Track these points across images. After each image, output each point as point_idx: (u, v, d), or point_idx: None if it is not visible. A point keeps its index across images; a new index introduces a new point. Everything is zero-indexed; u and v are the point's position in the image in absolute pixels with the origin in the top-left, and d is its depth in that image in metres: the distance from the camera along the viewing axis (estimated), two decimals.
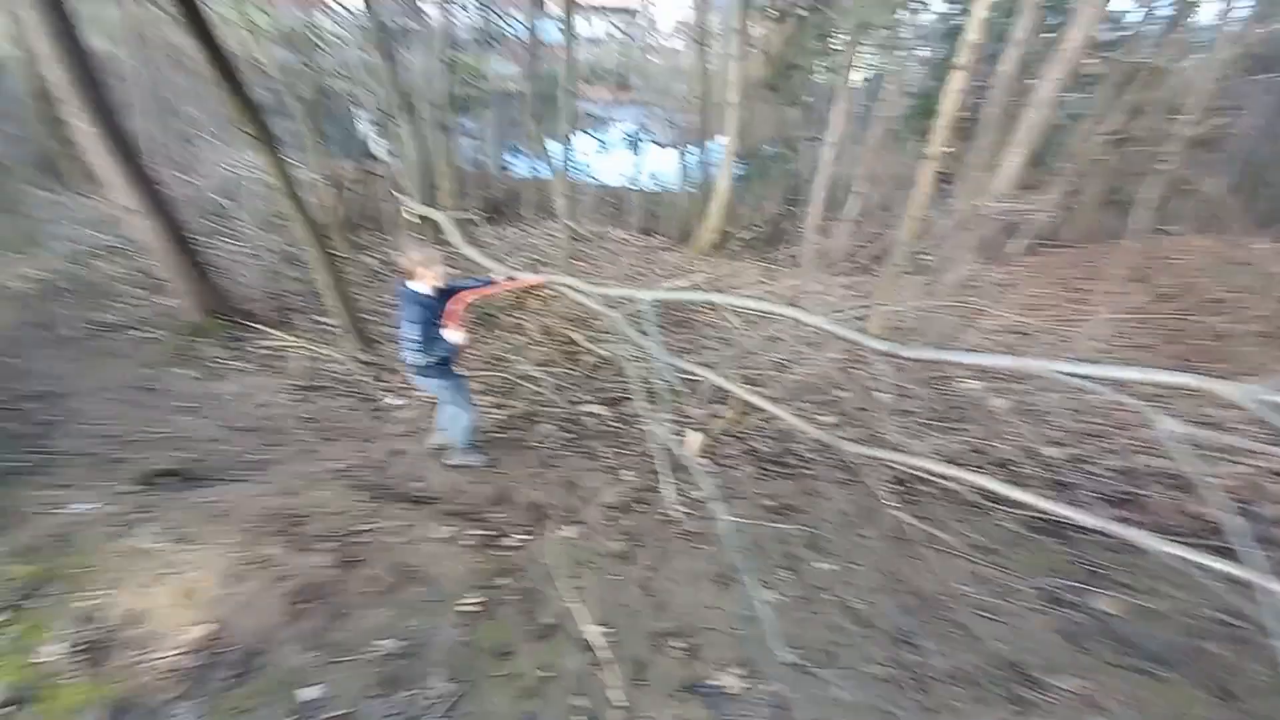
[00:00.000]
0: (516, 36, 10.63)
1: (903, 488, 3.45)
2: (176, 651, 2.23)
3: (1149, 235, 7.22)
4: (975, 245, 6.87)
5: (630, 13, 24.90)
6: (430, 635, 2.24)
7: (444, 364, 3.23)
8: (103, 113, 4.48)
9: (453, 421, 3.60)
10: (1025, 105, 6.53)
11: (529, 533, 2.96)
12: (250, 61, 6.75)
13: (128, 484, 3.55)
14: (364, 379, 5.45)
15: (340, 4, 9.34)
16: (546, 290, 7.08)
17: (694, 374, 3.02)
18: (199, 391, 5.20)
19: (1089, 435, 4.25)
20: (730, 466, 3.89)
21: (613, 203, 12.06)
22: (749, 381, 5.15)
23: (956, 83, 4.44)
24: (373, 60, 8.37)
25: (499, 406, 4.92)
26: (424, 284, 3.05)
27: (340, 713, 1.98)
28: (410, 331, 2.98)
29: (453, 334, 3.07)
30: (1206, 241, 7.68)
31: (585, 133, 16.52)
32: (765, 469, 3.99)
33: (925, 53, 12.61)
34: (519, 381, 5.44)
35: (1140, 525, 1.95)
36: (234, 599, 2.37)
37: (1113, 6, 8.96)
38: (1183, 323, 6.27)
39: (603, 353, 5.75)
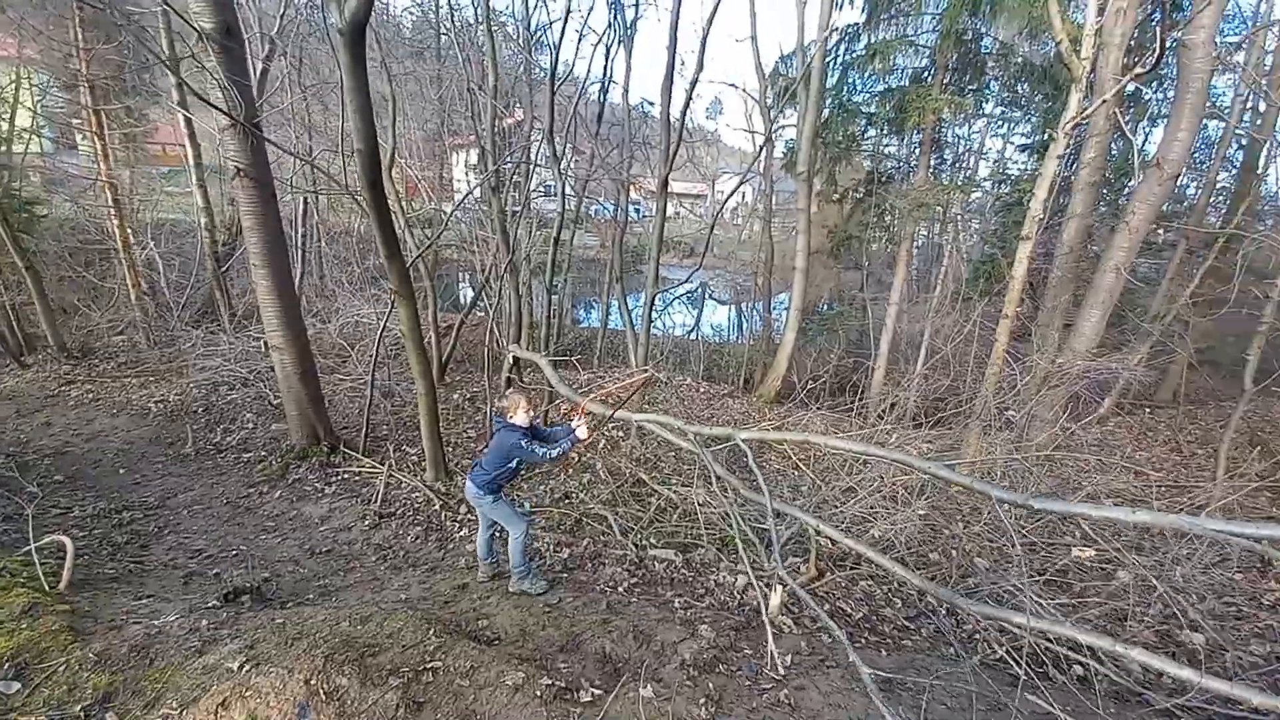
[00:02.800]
0: (603, 214, 12.45)
1: (1026, 668, 2.93)
2: None
3: (1256, 397, 6.67)
4: (1063, 403, 6.56)
5: (700, 196, 28.86)
6: None
7: (500, 488, 3.61)
8: (278, 271, 5.51)
9: (511, 544, 3.76)
10: (1095, 270, 6.68)
11: (603, 688, 2.70)
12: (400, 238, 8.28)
13: (209, 600, 3.64)
14: (436, 508, 5.57)
15: (463, 192, 11.44)
16: (618, 431, 7.27)
17: (797, 519, 2.88)
18: (288, 512, 5.47)
19: (1237, 618, 3.56)
20: (816, 629, 3.49)
21: (677, 352, 12.71)
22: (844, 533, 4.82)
23: (1024, 250, 4.70)
24: (483, 234, 9.95)
25: (564, 545, 4.81)
26: (518, 420, 3.51)
27: None
28: (495, 457, 3.45)
29: (580, 428, 3.43)
30: None
31: (661, 291, 18.29)
32: (855, 634, 3.55)
33: (977, 224, 13.48)
34: (586, 520, 5.36)
35: None
36: None
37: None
38: None
39: (671, 495, 5.65)
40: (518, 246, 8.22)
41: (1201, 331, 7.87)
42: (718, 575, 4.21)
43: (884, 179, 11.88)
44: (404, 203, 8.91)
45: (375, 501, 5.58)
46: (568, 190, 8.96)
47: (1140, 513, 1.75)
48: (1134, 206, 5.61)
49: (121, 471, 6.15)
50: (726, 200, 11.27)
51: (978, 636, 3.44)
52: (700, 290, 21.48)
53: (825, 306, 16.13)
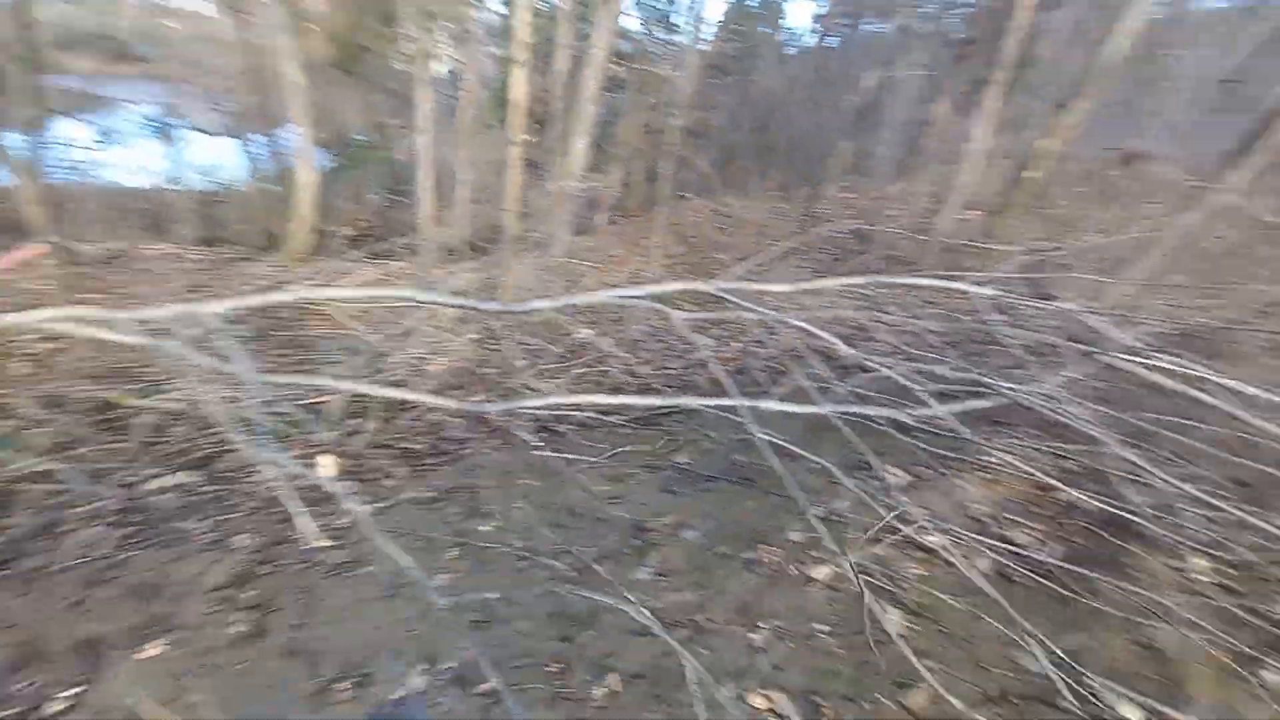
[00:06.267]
0: None
1: (548, 432, 3.81)
2: None
3: (673, 201, 9.84)
4: (569, 220, 7.93)
5: None
6: None
7: None
8: None
9: None
10: (579, 101, 7.76)
11: (82, 683, 2.02)
12: None
13: None
14: None
15: None
16: (45, 343, 4.78)
17: (317, 389, 2.51)
18: None
19: (668, 352, 5.59)
20: (381, 476, 3.52)
21: (145, 210, 8.95)
22: (392, 384, 4.74)
23: (518, 76, 4.87)
24: None
25: None
26: None
27: None
28: None
29: None
30: (706, 203, 11.11)
31: (73, 117, 11.71)
32: (423, 466, 3.77)
33: (494, 49, 13.49)
34: (18, 487, 3.56)
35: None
36: None
37: (626, 25, 11.61)
38: (702, 257, 9.04)
39: (169, 405, 4.27)
40: None
41: (647, 154, 10.63)
42: (259, 474, 3.59)
43: None
44: None
45: None
46: None
47: (580, 297, 2.18)
48: (596, 39, 6.51)
49: None
50: None
51: (513, 425, 4.16)
52: (166, 117, 14.98)
53: (356, 137, 13.96)
